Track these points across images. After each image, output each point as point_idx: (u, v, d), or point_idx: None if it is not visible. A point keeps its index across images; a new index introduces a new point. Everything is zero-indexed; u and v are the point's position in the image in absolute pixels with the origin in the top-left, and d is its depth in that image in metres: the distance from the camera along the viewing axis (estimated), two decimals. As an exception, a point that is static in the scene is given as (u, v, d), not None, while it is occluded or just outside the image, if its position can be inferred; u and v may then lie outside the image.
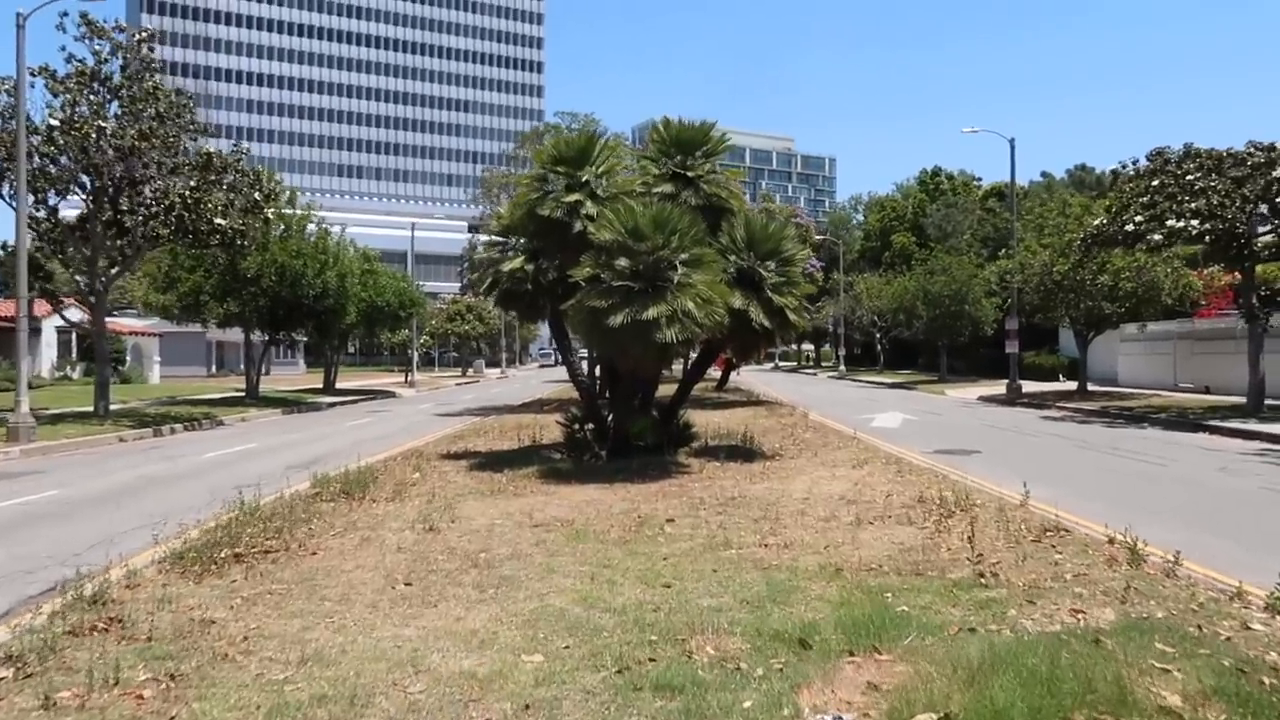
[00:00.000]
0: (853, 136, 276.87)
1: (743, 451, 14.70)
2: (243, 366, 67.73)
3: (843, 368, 64.45)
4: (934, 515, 9.01)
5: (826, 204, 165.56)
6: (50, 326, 42.51)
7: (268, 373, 68.83)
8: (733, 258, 14.11)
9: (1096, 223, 24.17)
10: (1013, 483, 11.79)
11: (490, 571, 7.12)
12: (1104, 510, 9.60)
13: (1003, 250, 37.36)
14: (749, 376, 57.36)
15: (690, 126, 14.50)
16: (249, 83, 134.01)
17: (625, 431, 14.17)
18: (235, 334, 39.26)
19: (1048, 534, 7.98)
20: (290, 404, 34.01)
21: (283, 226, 32.81)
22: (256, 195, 25.15)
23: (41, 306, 45.06)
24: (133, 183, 24.25)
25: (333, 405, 35.76)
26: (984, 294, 45.25)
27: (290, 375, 65.59)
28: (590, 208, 13.23)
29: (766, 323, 13.56)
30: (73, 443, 19.90)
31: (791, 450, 15.42)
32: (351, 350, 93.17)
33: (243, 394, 35.14)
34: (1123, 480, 13.01)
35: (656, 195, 13.87)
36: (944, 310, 44.83)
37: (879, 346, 62.33)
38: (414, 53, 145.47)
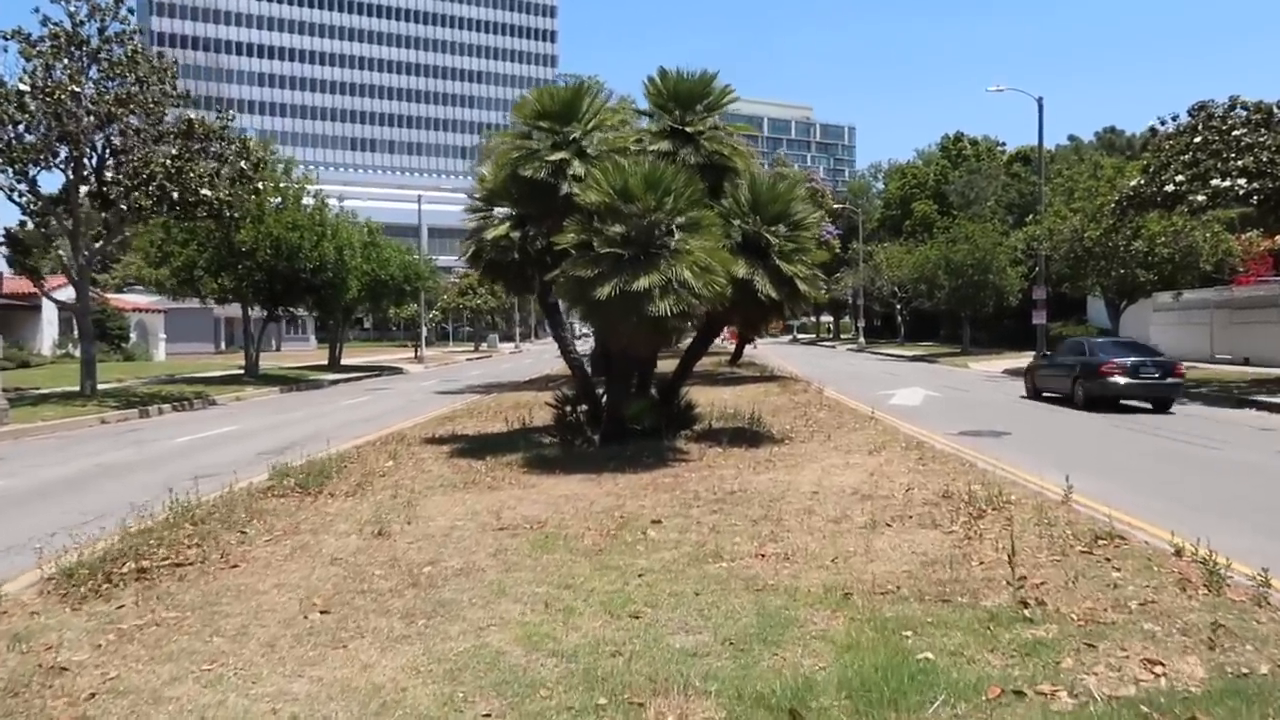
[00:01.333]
0: (872, 104, 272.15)
1: (749, 435, 13.46)
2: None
3: (862, 340, 62.95)
4: (962, 515, 7.76)
5: (846, 173, 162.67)
6: (50, 303, 41.65)
7: (278, 349, 68.39)
8: (736, 222, 12.80)
9: (1133, 184, 22.58)
10: (1050, 471, 10.54)
11: (429, 594, 5.94)
12: (1161, 508, 8.32)
13: (1029, 216, 35.70)
14: (765, 350, 55.94)
15: (689, 78, 13.12)
16: (259, 55, 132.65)
17: (620, 414, 12.96)
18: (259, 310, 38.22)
19: (1100, 542, 6.69)
20: (290, 382, 33.05)
21: (278, 198, 31.72)
22: (244, 165, 23.95)
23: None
24: (115, 152, 23.22)
25: (335, 383, 34.79)
26: (1009, 262, 43.62)
27: (300, 351, 64.82)
28: (578, 167, 11.92)
29: (774, 293, 12.26)
30: (49, 425, 18.93)
31: (803, 432, 14.16)
32: (366, 326, 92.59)
33: (243, 371, 34.19)
34: (1174, 467, 11.68)
35: (652, 153, 12.53)
36: (967, 280, 43.26)
37: (899, 318, 60.73)
38: (425, 23, 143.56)
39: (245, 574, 6.57)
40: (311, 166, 46.60)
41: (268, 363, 47.63)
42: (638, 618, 5.28)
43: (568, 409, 13.83)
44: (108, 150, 23.24)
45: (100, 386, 27.62)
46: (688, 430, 13.98)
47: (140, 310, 48.29)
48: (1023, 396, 22.47)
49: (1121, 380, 18.33)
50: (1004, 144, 70.40)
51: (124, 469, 13.03)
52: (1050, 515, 7.62)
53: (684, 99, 13.16)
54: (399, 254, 41.52)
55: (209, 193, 23.49)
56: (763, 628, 5.03)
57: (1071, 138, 58.75)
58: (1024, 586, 5.60)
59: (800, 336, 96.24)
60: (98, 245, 24.75)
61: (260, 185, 25.78)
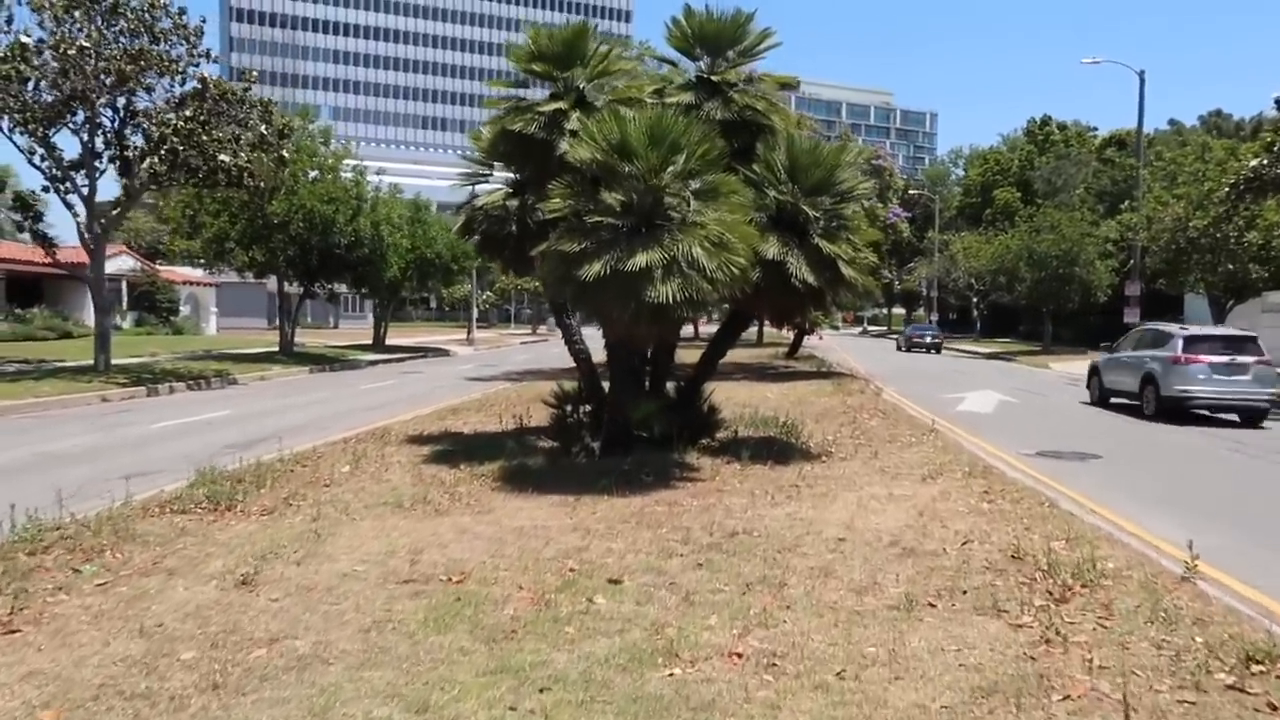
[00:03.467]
0: (955, 89, 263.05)
1: (780, 447, 11.25)
2: (310, 319, 67.23)
3: (934, 334, 59.59)
4: (1038, 595, 5.52)
5: (926, 161, 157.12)
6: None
7: (336, 326, 67.97)
8: (770, 192, 10.59)
9: (1253, 163, 19.55)
10: (1157, 516, 8.17)
11: (213, 714, 3.99)
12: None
13: (1124, 204, 32.42)
14: (831, 342, 53.18)
15: (719, 18, 10.89)
16: (334, 32, 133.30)
17: (623, 418, 10.90)
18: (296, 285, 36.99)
19: (1255, 666, 4.41)
20: (326, 361, 31.82)
21: (314, 170, 30.36)
22: (264, 129, 22.45)
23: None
24: (132, 114, 21.96)
25: (373, 364, 33.48)
26: (1098, 255, 40.19)
27: (357, 329, 64.21)
28: (576, 120, 9.86)
29: (811, 278, 10.03)
30: (40, 403, 17.69)
31: (846, 446, 11.92)
32: (431, 305, 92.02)
33: (291, 349, 32.98)
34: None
35: (672, 107, 10.38)
36: (1050, 272, 39.97)
37: (975, 312, 57.24)
38: (503, 0, 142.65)
39: (7, 647, 4.72)
40: (380, 144, 45.38)
41: (315, 340, 46.88)
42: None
43: (568, 409, 11.83)
44: (127, 113, 22.01)
45: (127, 361, 26.75)
46: (708, 439, 11.86)
47: (192, 284, 47.87)
48: (1086, 403, 19.73)
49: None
50: (1095, 129, 65.95)
51: (58, 461, 11.43)
52: (1169, 604, 5.33)
53: (712, 43, 10.98)
54: (445, 232, 39.96)
55: (227, 159, 22.12)
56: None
57: (1172, 122, 54.49)
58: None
59: (871, 329, 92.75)
60: (115, 212, 23.61)
61: (285, 154, 24.31)
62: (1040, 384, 25.56)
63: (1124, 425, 16.12)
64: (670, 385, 12.26)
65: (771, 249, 10.01)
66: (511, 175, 11.76)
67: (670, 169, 8.92)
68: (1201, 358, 16.11)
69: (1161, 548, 7.00)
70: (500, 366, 31.58)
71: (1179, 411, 16.31)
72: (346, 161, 31.68)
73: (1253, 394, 16.09)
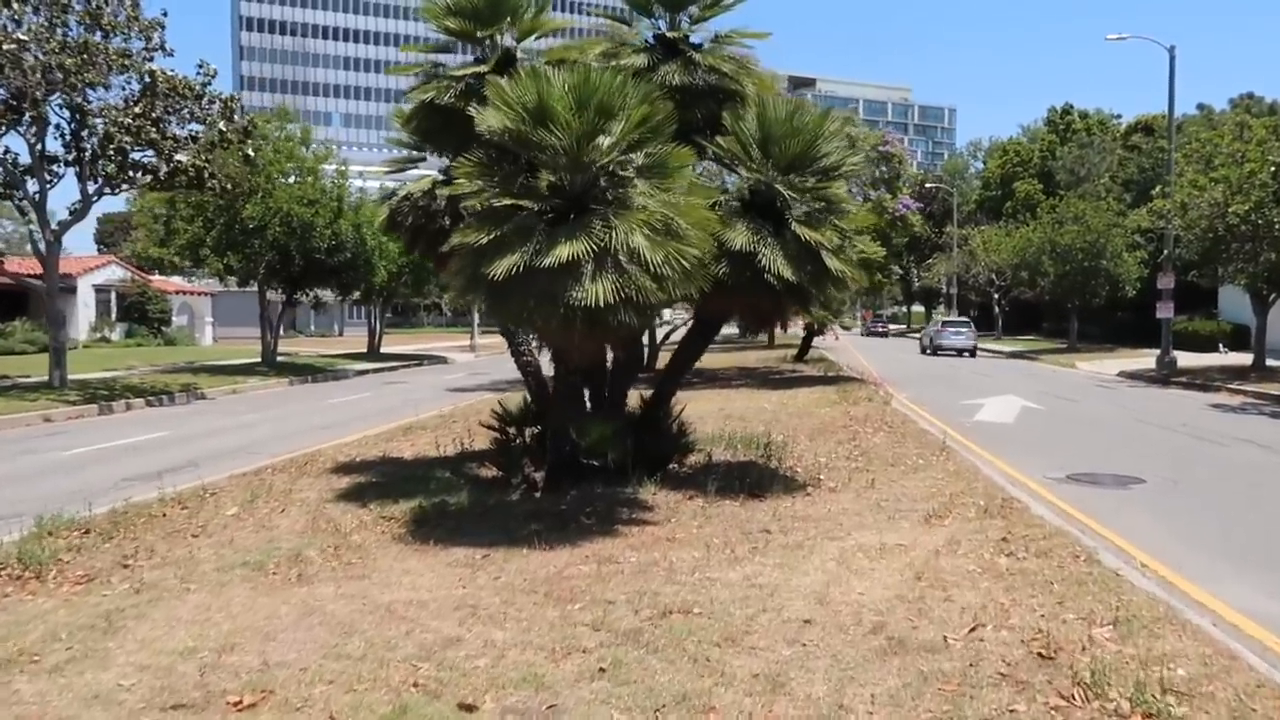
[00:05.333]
0: (974, 82, 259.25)
1: (758, 475, 9.42)
2: (314, 327, 65.92)
3: (954, 332, 57.33)
4: (1081, 732, 3.72)
5: (945, 156, 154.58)
6: (87, 285, 40.13)
7: (341, 334, 66.52)
8: (741, 171, 8.84)
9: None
10: (1232, 574, 6.32)
11: None
12: None
13: (1155, 189, 30.26)
14: (846, 342, 51.13)
15: (678, -35, 9.14)
16: (344, 39, 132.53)
17: (571, 444, 9.13)
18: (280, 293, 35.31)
19: None
20: (311, 371, 30.26)
21: (293, 172, 28.82)
22: (222, 126, 20.88)
23: (78, 263, 43.02)
24: (83, 112, 20.45)
25: (361, 373, 31.89)
26: (1126, 246, 37.96)
27: (361, 337, 62.83)
28: (490, 84, 8.11)
29: (788, 272, 8.22)
30: (-33, 424, 16.20)
31: (841, 470, 10.09)
32: (445, 311, 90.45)
33: (274, 359, 31.43)
34: None
35: (621, 71, 8.61)
36: (1075, 266, 37.81)
37: (997, 309, 54.97)
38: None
39: None
40: (369, 147, 43.91)
41: (311, 349, 45.45)
42: None
43: (511, 432, 10.08)
44: (80, 113, 20.51)
45: (96, 375, 25.38)
46: (677, 464, 10.09)
47: (185, 293, 46.58)
48: (1122, 407, 17.73)
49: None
50: (1119, 116, 63.41)
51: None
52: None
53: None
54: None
55: (184, 158, 20.60)
56: None
57: (1201, 106, 51.84)
58: None
59: (891, 328, 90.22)
60: (68, 217, 22.14)
61: (251, 152, 22.77)
62: (1067, 386, 23.53)
63: (1159, 436, 14.17)
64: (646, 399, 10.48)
65: (739, 238, 8.24)
66: (438, 160, 10.06)
67: (604, 138, 7.16)
68: (946, 330, 38.85)
69: (1250, 631, 5.17)
70: (491, 375, 29.85)
71: (939, 351, 37.76)
72: (325, 166, 30.08)
73: (965, 344, 37.27)
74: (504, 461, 9.77)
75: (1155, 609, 5.28)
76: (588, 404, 9.87)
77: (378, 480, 9.94)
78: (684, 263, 7.13)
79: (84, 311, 39.90)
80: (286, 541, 7.35)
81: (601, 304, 6.80)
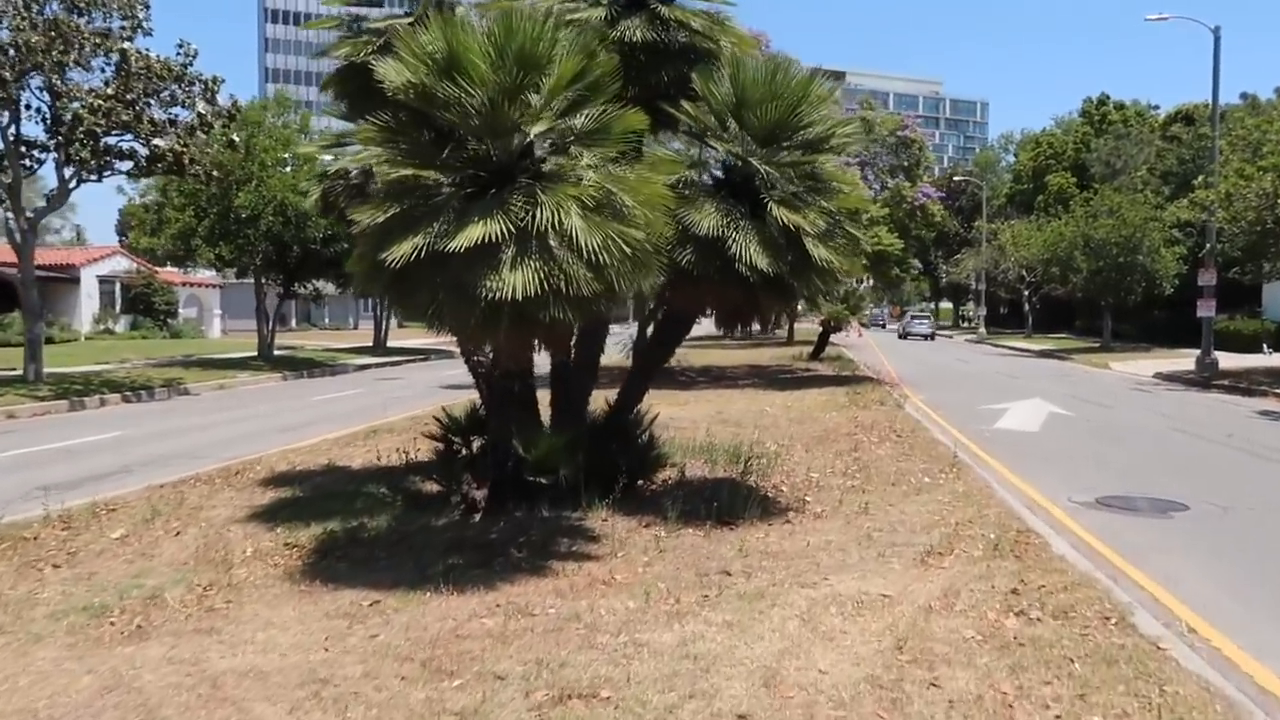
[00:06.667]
0: (1007, 75, 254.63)
1: (732, 495, 8.08)
2: (328, 320, 65.22)
3: (983, 330, 55.54)
4: None
5: (977, 150, 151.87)
6: (91, 275, 39.43)
7: (355, 327, 65.80)
8: (711, 143, 7.55)
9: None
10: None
11: None
12: None
13: (1198, 179, 28.45)
14: (870, 339, 49.48)
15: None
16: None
17: (513, 459, 7.90)
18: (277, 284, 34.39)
19: None
20: (309, 366, 29.28)
21: (290, 160, 27.80)
22: (201, 108, 19.85)
23: (82, 253, 42.40)
24: (56, 94, 19.51)
25: (362, 368, 30.90)
26: (1163, 241, 36.09)
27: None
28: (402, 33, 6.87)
29: (763, 262, 6.92)
30: (-81, 422, 15.29)
31: (833, 490, 8.78)
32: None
33: (270, 354, 30.49)
34: None
35: (571, 25, 7.34)
36: (1110, 261, 35.97)
37: (1027, 305, 53.05)
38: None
39: None
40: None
41: (319, 342, 44.56)
42: None
43: (457, 442, 8.86)
44: (54, 95, 19.58)
45: (81, 369, 24.54)
46: (648, 480, 8.83)
47: (192, 285, 45.86)
48: (1163, 415, 16.17)
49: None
50: (1157, 107, 61.04)
51: None
52: None
53: (635, -59, 7.92)
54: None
55: (160, 143, 19.62)
56: None
57: (1245, 95, 49.53)
58: None
59: (889, 325, 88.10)
60: (43, 205, 21.25)
61: (235, 138, 21.77)
62: (1100, 389, 21.97)
63: (1203, 450, 12.69)
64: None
65: (705, 221, 6.97)
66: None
67: (531, 95, 5.91)
68: (913, 321, 61.00)
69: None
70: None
71: (908, 335, 55.99)
72: (323, 156, 28.98)
73: (925, 330, 56.75)
74: (446, 477, 8.55)
75: (1209, 707, 3.96)
76: (544, 411, 8.64)
77: (304, 495, 8.79)
78: (626, 247, 5.86)
79: (87, 303, 39.24)
80: (156, 576, 6.20)
81: (521, 296, 5.56)
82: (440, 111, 5.74)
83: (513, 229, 5.66)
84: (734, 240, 6.98)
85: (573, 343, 8.64)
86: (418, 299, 5.99)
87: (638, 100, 6.98)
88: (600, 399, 9.17)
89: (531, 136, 6.13)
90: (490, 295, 5.61)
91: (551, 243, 5.79)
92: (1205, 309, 25.17)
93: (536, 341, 6.80)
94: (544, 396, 9.08)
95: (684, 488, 8.59)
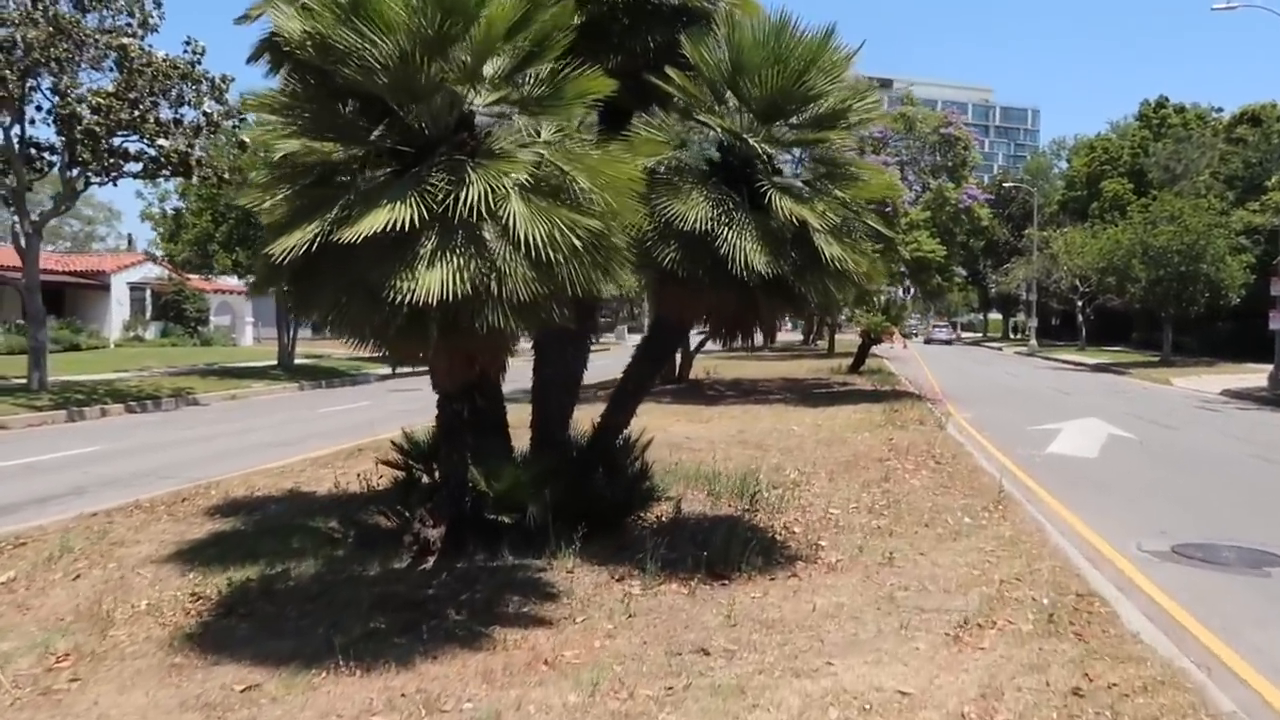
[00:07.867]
0: (1059, 81, 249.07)
1: (728, 540, 6.78)
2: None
3: (1034, 342, 53.26)
4: None
5: (1027, 159, 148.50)
6: (121, 282, 39.25)
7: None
8: (702, 117, 6.32)
9: None
10: None
11: None
12: None
13: (1271, 179, 26.45)
14: (915, 351, 47.63)
15: None
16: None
17: (467, 494, 6.72)
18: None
19: None
20: (330, 375, 28.58)
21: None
22: (207, 108, 19.11)
23: (113, 260, 42.27)
24: (60, 94, 18.89)
25: (384, 378, 30.02)
26: (1229, 249, 33.96)
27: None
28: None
29: (760, 262, 5.67)
30: (-99, 433, 14.60)
31: (853, 535, 7.45)
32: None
33: (290, 362, 29.82)
34: None
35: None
36: (1170, 270, 33.91)
37: (1080, 317, 50.77)
38: None
39: None
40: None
41: (346, 350, 43.92)
42: None
43: (417, 469, 7.71)
44: (53, 92, 18.97)
45: (96, 377, 23.93)
46: (636, 516, 7.59)
47: (224, 292, 45.58)
48: (1236, 438, 14.49)
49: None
50: (1220, 109, 58.34)
51: None
52: None
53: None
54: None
55: (166, 143, 18.90)
56: None
57: (1315, 97, 47.06)
58: None
59: (965, 335, 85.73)
60: (49, 210, 20.66)
61: (246, 139, 20.98)
62: (1162, 408, 20.23)
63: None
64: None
65: (692, 212, 5.74)
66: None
67: (460, 48, 4.74)
68: (935, 329, 71.92)
69: None
70: (517, 383, 27.69)
71: (930, 341, 65.67)
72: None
73: (947, 337, 69.17)
74: (401, 511, 7.39)
75: None
76: (512, 437, 7.46)
77: (244, 529, 7.69)
78: (577, 240, 4.65)
79: (118, 310, 39.06)
80: (16, 638, 5.12)
81: (437, 299, 4.39)
82: (338, 65, 4.57)
83: (431, 215, 4.48)
84: (725, 235, 5.74)
85: (534, 354, 7.50)
86: (321, 299, 4.86)
87: (620, 72, 5.82)
88: (585, 421, 7.98)
89: (469, 105, 4.96)
90: (400, 297, 4.44)
91: (484, 233, 4.63)
92: (1277, 322, 23.24)
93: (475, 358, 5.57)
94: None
95: (678, 527, 7.34)
